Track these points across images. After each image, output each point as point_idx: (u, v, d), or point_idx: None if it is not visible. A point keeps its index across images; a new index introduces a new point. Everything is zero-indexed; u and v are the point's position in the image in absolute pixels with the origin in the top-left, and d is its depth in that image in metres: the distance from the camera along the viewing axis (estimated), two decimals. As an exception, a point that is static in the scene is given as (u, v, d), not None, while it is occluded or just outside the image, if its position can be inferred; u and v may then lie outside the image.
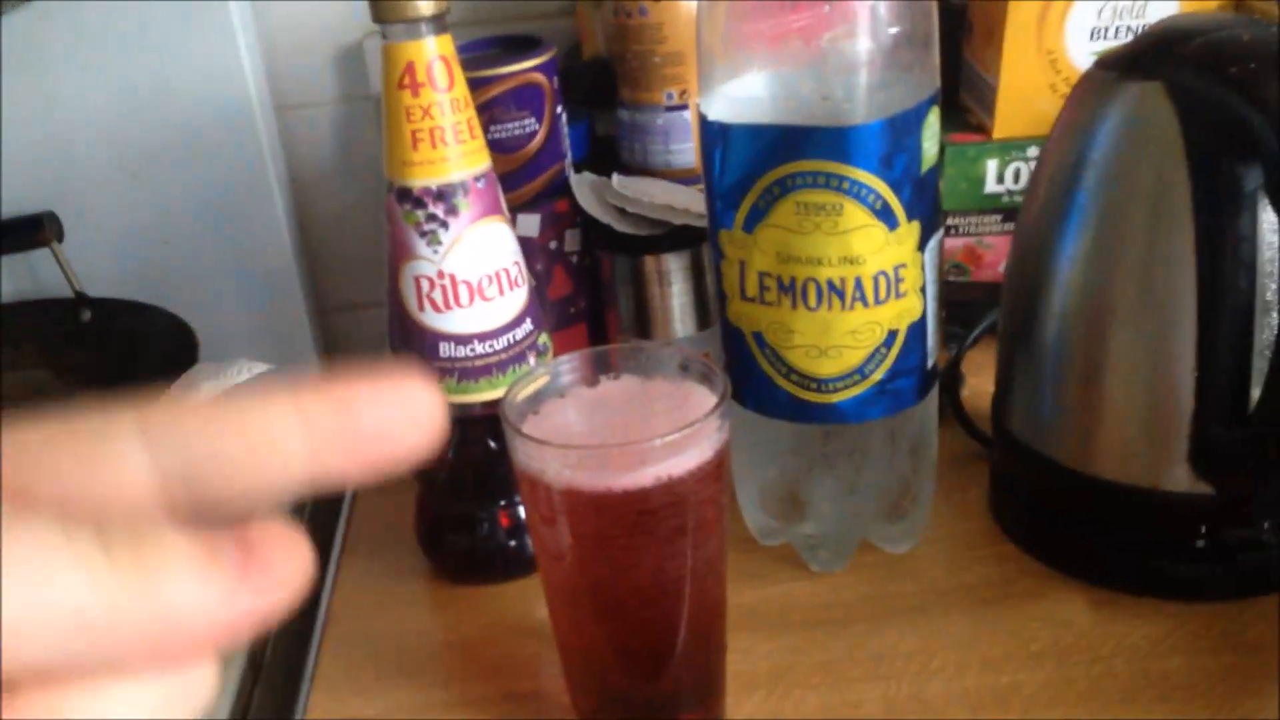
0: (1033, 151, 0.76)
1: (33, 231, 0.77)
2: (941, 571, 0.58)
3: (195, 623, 0.17)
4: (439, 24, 0.52)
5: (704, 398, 0.46)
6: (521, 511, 0.59)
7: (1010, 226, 0.78)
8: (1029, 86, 0.75)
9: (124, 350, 0.74)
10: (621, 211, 0.68)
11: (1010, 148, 0.76)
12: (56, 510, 0.17)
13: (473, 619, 0.59)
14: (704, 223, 0.66)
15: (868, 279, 0.50)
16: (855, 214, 0.49)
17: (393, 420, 0.19)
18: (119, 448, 0.18)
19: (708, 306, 0.70)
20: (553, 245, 0.71)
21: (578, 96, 0.77)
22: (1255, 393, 0.48)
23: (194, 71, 0.83)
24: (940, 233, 0.54)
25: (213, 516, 0.19)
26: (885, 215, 0.49)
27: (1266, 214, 0.46)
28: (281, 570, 0.18)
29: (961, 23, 0.80)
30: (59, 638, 0.16)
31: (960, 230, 0.79)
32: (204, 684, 0.19)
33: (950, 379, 0.65)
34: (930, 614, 0.55)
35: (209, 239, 0.86)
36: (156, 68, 0.82)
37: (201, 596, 0.17)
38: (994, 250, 0.79)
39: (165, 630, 0.17)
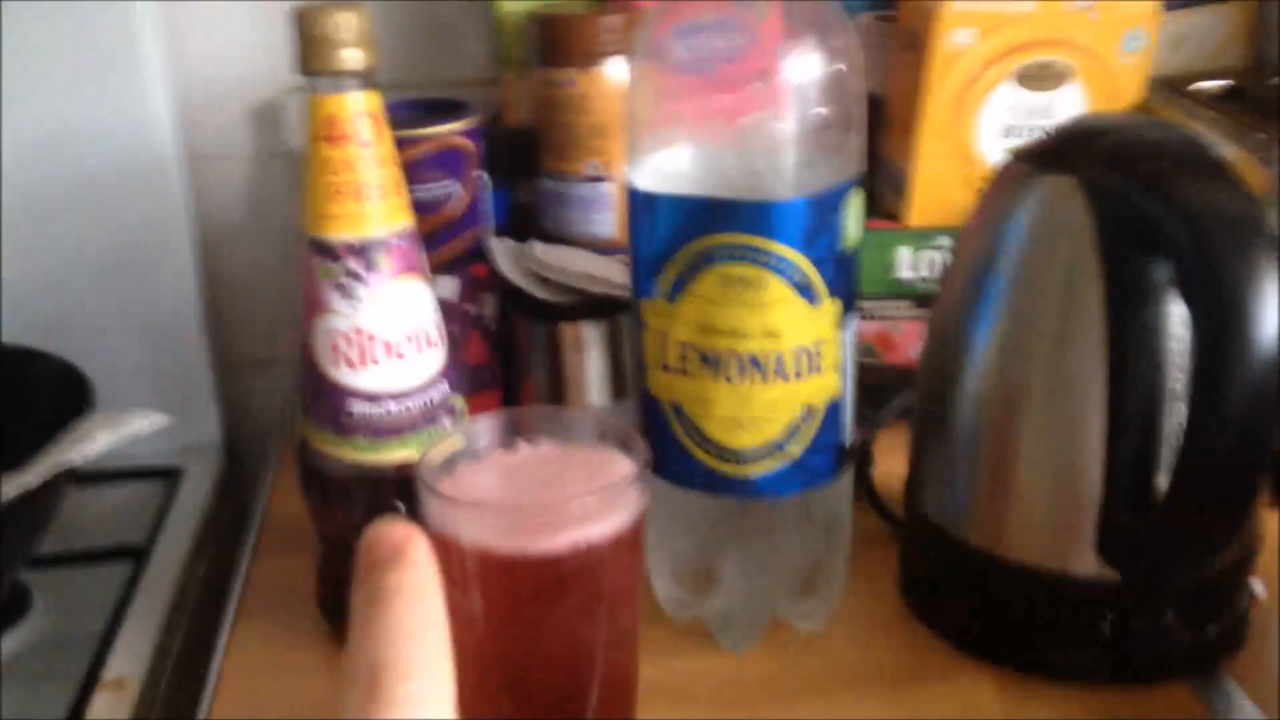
0: (944, 241, 0.78)
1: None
2: (852, 651, 0.57)
3: None
4: (366, 79, 0.52)
5: (623, 464, 0.45)
6: (427, 578, 0.58)
7: (921, 312, 0.79)
8: (942, 178, 0.77)
9: (12, 398, 0.71)
10: (540, 278, 0.68)
11: (923, 236, 0.78)
12: None
13: (371, 689, 0.57)
14: (622, 293, 0.66)
15: (788, 353, 0.50)
16: (777, 288, 0.49)
17: None
18: None
19: (623, 377, 0.69)
20: (470, 309, 0.70)
21: (500, 163, 0.77)
22: (1162, 481, 0.49)
23: (106, 116, 0.81)
24: (857, 314, 0.55)
25: None
26: (806, 291, 0.50)
27: (1176, 307, 0.48)
28: None
29: (877, 113, 0.83)
30: None
31: (872, 314, 0.80)
32: None
33: (861, 459, 0.66)
34: (840, 693, 0.54)
35: (111, 288, 0.84)
36: (66, 110, 0.80)
37: None
38: (905, 335, 0.80)
39: None
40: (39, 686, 0.62)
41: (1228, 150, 0.68)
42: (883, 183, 0.82)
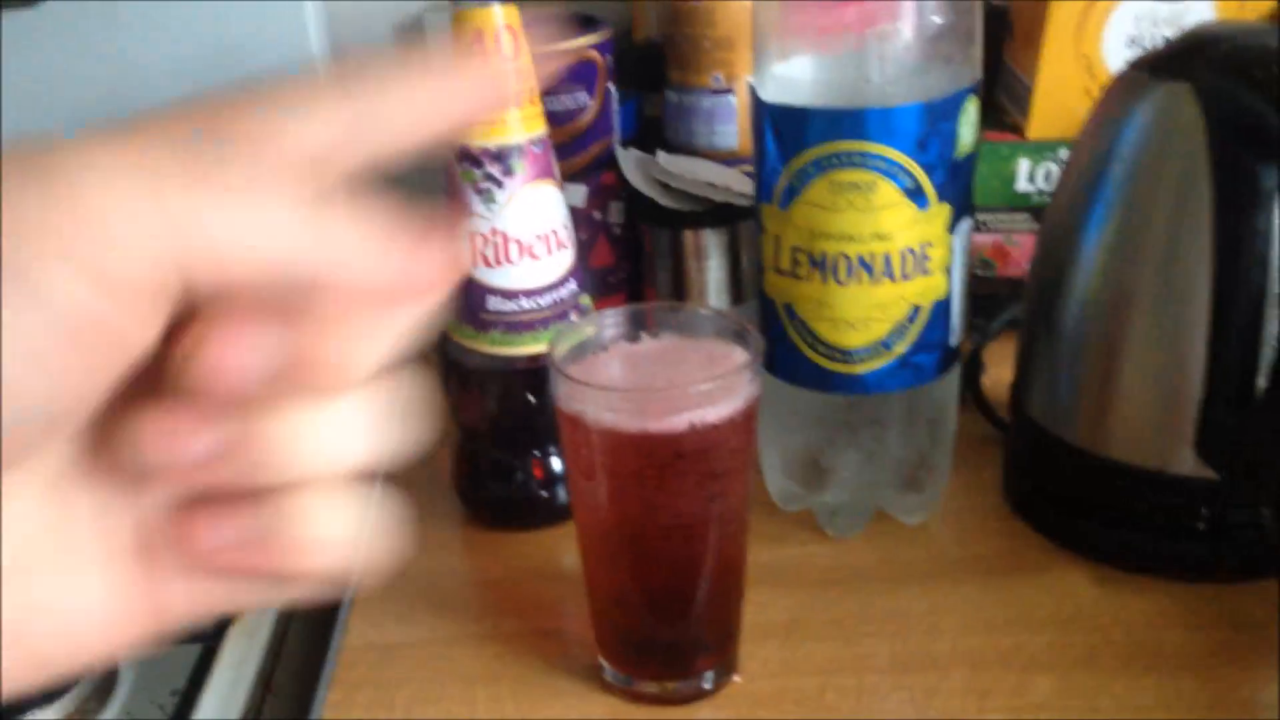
0: (1064, 153, 0.79)
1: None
2: (952, 543, 0.60)
3: (369, 273, 0.21)
4: (507, -6, 0.55)
5: (738, 354, 0.49)
6: (555, 463, 0.62)
7: (1038, 225, 0.80)
8: (1065, 89, 0.77)
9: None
10: (665, 187, 0.71)
11: (1043, 148, 0.79)
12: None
13: (504, 562, 0.62)
14: (743, 201, 0.70)
15: (896, 255, 0.53)
16: (887, 192, 0.52)
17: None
18: (325, 106, 0.22)
19: (741, 282, 0.72)
20: (597, 215, 0.74)
21: (629, 77, 0.80)
22: (1263, 383, 0.51)
23: (259, 35, 0.86)
24: (970, 219, 0.57)
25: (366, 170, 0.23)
26: (916, 195, 0.52)
27: (1282, 212, 0.49)
28: (438, 260, 0.22)
29: (1003, 25, 0.83)
30: (266, 256, 0.20)
31: (989, 226, 0.81)
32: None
33: (972, 366, 0.68)
34: (940, 580, 0.58)
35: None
36: (223, 29, 0.86)
37: (383, 252, 0.21)
38: (1021, 248, 0.82)
39: (345, 270, 0.21)
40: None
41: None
42: (1005, 95, 0.83)
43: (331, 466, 0.23)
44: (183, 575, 0.23)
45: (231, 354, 0.21)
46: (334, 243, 0.21)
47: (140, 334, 0.20)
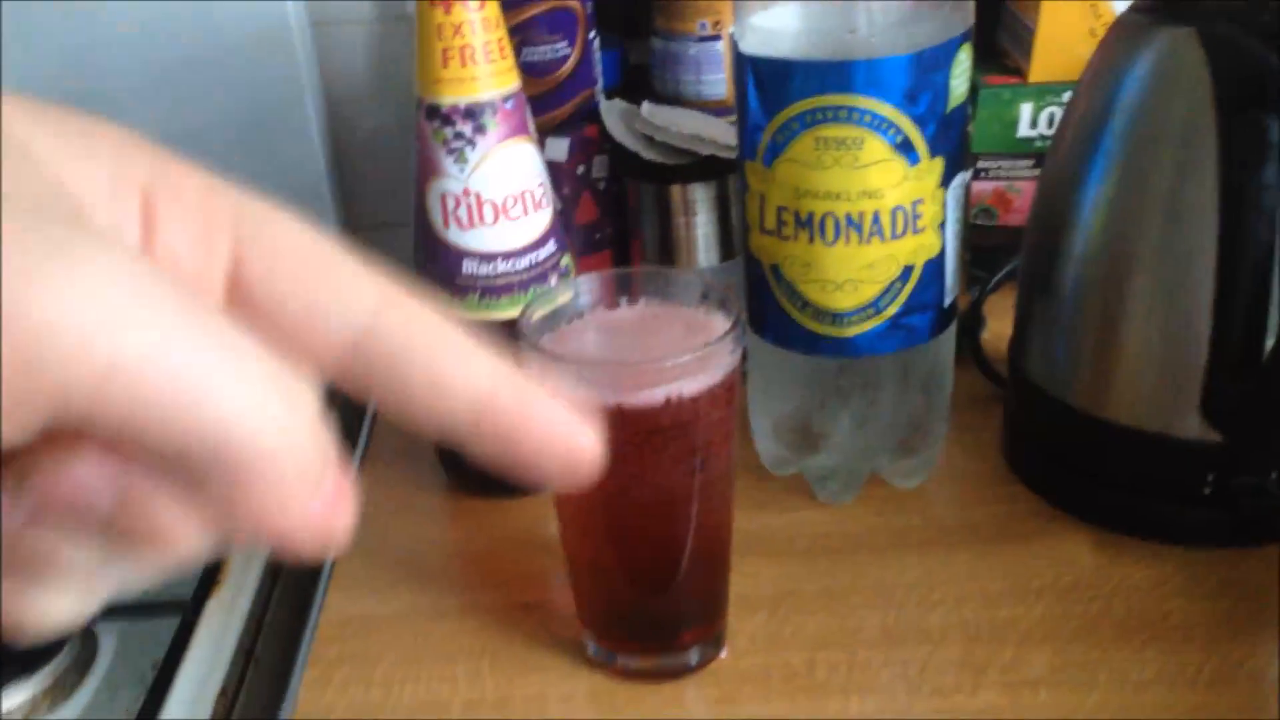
0: (1068, 97, 0.75)
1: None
2: (949, 508, 0.59)
3: (284, 483, 0.18)
4: (474, -58, 0.52)
5: (719, 323, 0.46)
6: (538, 430, 0.61)
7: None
8: (1068, 31, 0.74)
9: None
10: (650, 140, 0.68)
11: (1045, 92, 0.76)
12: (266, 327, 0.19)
13: (486, 532, 0.60)
14: (731, 154, 0.67)
15: (885, 213, 0.50)
16: (876, 148, 0.49)
17: (555, 442, 0.20)
18: (354, 300, 0.19)
19: (731, 238, 0.70)
20: (580, 170, 0.72)
21: (612, 23, 0.77)
22: (1270, 344, 0.49)
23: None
24: (967, 173, 0.54)
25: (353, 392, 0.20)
26: (906, 150, 0.50)
27: (1293, 164, 0.46)
28: (339, 517, 0.19)
29: (1004, -37, 0.80)
30: (209, 404, 0.17)
31: (990, 174, 0.78)
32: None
33: (971, 321, 0.66)
34: (935, 548, 0.56)
35: (241, 151, 0.87)
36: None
37: (309, 470, 0.18)
38: (1023, 195, 0.79)
39: (268, 464, 0.18)
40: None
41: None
42: (1006, 37, 0.80)
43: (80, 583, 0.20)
44: None
45: (68, 491, 0.18)
46: (281, 418, 0.18)
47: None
